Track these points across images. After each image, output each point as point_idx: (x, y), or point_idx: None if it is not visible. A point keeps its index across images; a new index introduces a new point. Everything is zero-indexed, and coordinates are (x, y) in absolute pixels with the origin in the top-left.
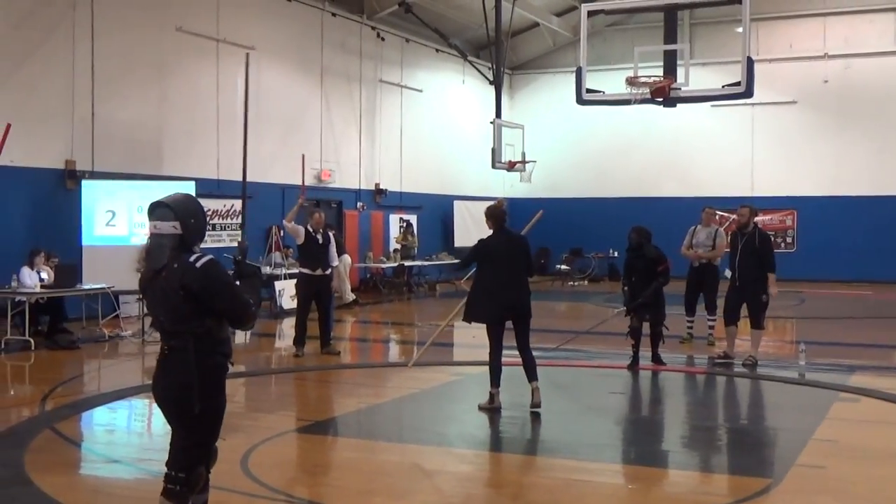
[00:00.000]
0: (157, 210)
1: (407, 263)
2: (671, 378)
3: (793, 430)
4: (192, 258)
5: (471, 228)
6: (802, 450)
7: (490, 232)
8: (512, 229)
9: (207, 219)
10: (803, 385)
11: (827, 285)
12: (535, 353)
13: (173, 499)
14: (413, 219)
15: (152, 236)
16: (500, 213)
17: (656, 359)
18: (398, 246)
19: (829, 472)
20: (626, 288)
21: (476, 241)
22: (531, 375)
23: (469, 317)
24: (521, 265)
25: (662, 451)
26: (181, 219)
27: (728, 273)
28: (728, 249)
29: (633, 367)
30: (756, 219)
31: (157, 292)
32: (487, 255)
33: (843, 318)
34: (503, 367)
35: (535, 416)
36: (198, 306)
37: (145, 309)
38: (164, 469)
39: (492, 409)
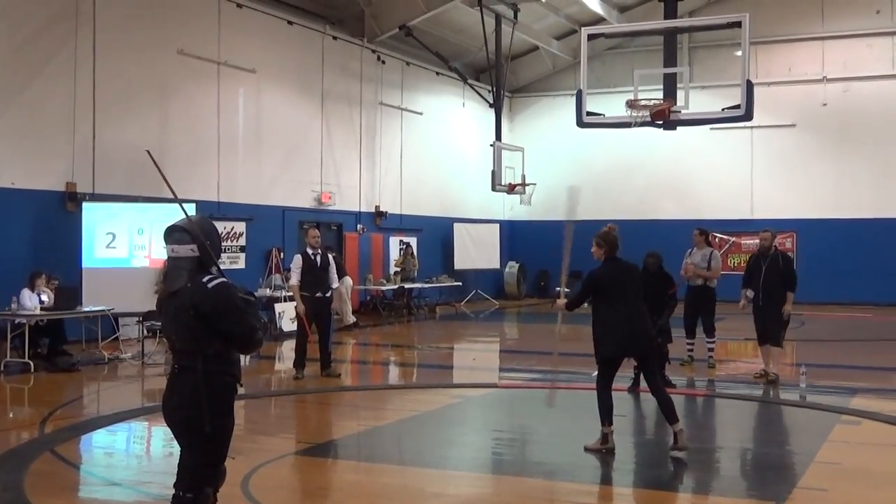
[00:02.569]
0: (174, 234)
1: (407, 286)
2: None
3: (795, 452)
4: (206, 279)
5: (471, 251)
6: (805, 472)
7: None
8: (622, 258)
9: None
10: (804, 407)
11: (827, 308)
12: (535, 376)
13: None
14: (413, 241)
15: (170, 259)
16: (612, 238)
17: (666, 381)
18: (398, 269)
19: (831, 495)
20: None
21: (586, 275)
22: (670, 417)
23: (600, 354)
24: (638, 296)
25: (664, 473)
26: (198, 241)
27: (749, 293)
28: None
29: (634, 388)
30: (751, 241)
31: (170, 312)
32: (601, 288)
33: (843, 340)
34: (508, 391)
35: (536, 439)
36: (208, 327)
37: (146, 331)
38: (166, 491)
39: (606, 451)
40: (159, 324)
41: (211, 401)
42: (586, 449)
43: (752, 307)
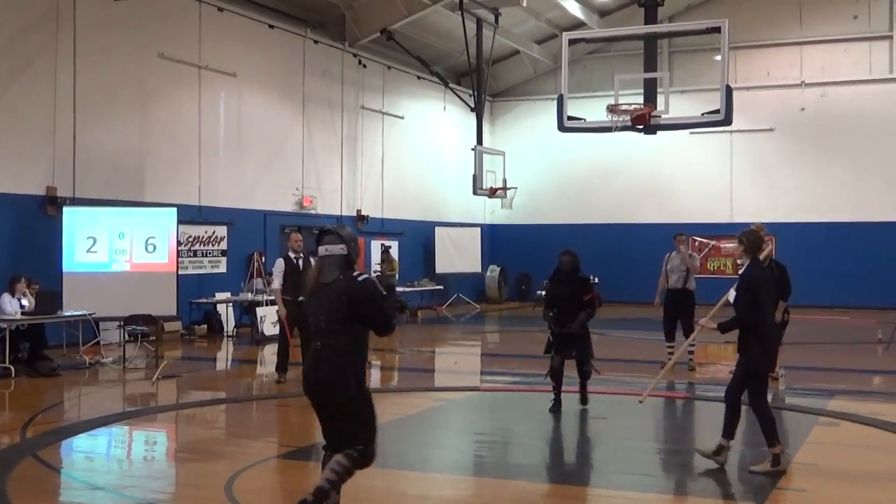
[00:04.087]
0: (327, 237)
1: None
2: (652, 403)
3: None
4: (356, 275)
5: (452, 254)
6: (783, 473)
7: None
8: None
9: (192, 247)
10: (783, 409)
11: (805, 311)
12: (517, 379)
13: (348, 458)
14: (395, 245)
15: (323, 257)
16: (760, 240)
17: (584, 400)
18: (378, 272)
19: (809, 496)
20: (551, 314)
21: (743, 279)
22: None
23: (762, 366)
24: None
25: (643, 475)
26: (347, 243)
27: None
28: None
29: (556, 410)
30: (730, 245)
31: (322, 299)
32: (759, 292)
33: (821, 343)
34: (489, 393)
35: (517, 441)
36: (353, 313)
37: (127, 336)
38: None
39: (718, 463)
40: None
41: (352, 371)
42: (751, 471)
43: None
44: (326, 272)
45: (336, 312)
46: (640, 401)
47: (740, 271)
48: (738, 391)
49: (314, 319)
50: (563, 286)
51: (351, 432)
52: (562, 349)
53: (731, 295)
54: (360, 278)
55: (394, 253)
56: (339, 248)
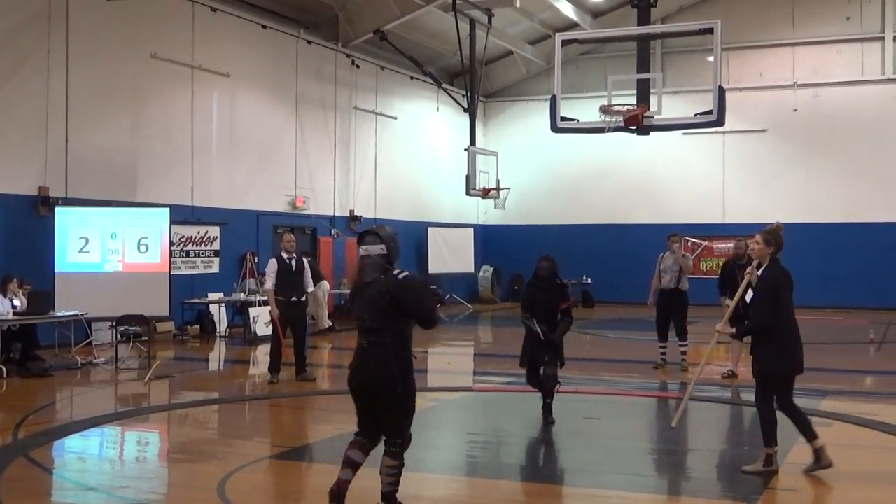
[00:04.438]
0: (368, 237)
1: None
2: (645, 403)
3: None
4: (396, 272)
5: (445, 255)
6: (775, 473)
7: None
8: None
9: (185, 247)
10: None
11: (797, 311)
12: (510, 380)
13: (395, 457)
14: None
15: (364, 257)
16: (782, 237)
17: (548, 409)
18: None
19: (801, 496)
20: (527, 317)
21: (766, 278)
22: (807, 435)
23: (780, 370)
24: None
25: (636, 475)
26: (386, 243)
27: (728, 302)
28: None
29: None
30: (724, 244)
31: (365, 297)
32: (779, 294)
33: (813, 343)
34: (483, 394)
35: (510, 442)
36: (397, 309)
37: (120, 336)
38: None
39: (770, 472)
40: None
41: (399, 367)
42: (744, 471)
43: (732, 314)
44: (367, 271)
45: (380, 310)
46: (673, 426)
47: (755, 272)
48: (763, 395)
49: (359, 318)
50: (542, 292)
51: (397, 424)
52: (535, 355)
53: (748, 296)
54: (400, 275)
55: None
56: (378, 249)
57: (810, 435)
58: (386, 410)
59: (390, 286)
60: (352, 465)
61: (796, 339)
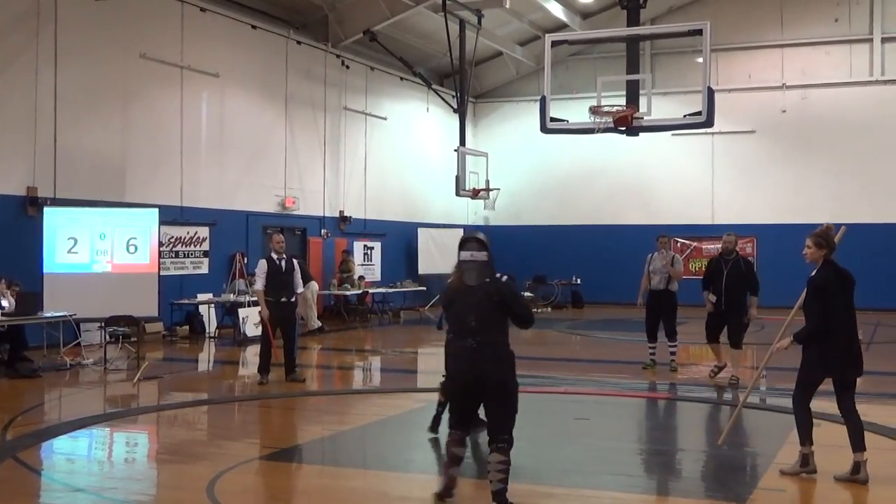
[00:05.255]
0: (471, 243)
1: (348, 293)
2: (634, 403)
3: (755, 454)
4: (499, 276)
5: (435, 255)
6: (764, 474)
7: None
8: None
9: (174, 247)
10: (764, 410)
11: (786, 312)
12: None
13: (504, 453)
14: (377, 246)
15: (466, 262)
16: (833, 239)
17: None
18: (344, 274)
19: (790, 496)
20: None
21: (817, 279)
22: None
23: (819, 371)
24: (853, 307)
25: (626, 476)
26: (488, 250)
27: (712, 297)
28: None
29: (435, 428)
30: (713, 245)
31: (471, 301)
32: (829, 297)
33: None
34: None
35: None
36: (502, 310)
37: (109, 337)
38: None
39: (807, 473)
40: (451, 309)
41: (510, 362)
42: (783, 473)
43: (713, 310)
44: (469, 276)
45: (488, 311)
46: (720, 443)
47: (811, 275)
48: (800, 397)
49: (461, 320)
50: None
51: (506, 418)
52: None
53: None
54: (503, 279)
55: (376, 255)
56: (482, 255)
57: (856, 445)
58: (497, 405)
59: (497, 289)
60: (458, 461)
61: (841, 342)
